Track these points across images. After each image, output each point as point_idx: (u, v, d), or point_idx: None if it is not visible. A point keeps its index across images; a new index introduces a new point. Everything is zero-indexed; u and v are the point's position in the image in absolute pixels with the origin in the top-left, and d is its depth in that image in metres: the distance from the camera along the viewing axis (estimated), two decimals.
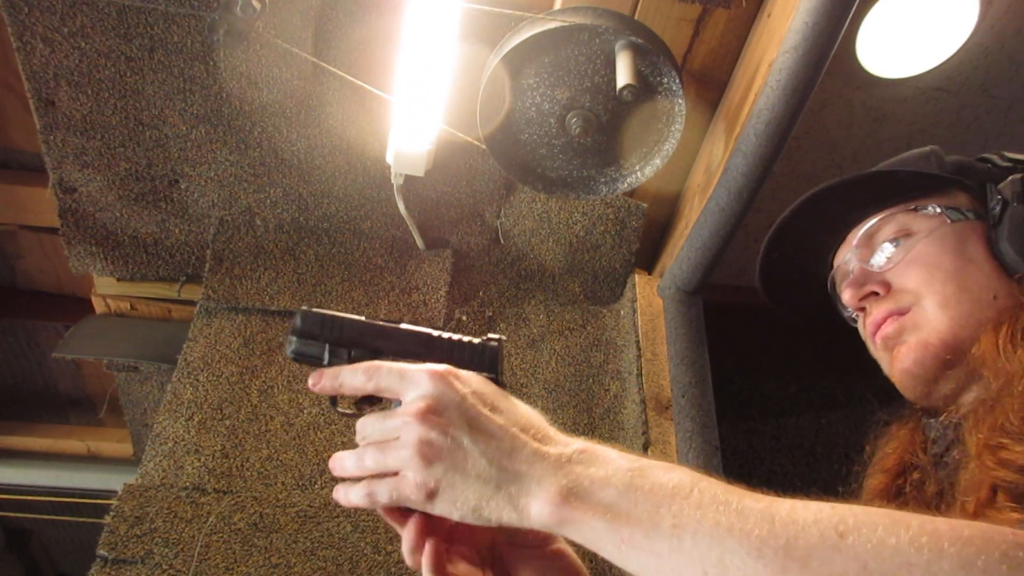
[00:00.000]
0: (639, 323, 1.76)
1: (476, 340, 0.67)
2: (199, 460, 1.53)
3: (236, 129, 1.62)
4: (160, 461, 1.53)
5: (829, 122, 1.85)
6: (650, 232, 1.85)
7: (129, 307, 1.92)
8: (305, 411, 1.62)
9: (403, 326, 0.68)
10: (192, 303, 1.80)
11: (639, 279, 1.84)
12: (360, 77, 1.42)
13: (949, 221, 0.85)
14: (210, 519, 1.45)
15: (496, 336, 0.68)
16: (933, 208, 0.86)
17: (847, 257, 0.92)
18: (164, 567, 1.39)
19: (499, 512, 0.53)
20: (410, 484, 0.55)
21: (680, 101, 1.35)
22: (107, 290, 1.88)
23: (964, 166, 0.90)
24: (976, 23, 1.52)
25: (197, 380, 1.63)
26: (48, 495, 2.56)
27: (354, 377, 0.62)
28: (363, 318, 0.68)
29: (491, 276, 1.87)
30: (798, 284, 1.00)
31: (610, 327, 1.86)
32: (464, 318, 1.80)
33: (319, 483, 1.54)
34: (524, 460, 0.54)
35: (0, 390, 2.63)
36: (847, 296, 0.88)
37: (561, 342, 1.82)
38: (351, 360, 0.65)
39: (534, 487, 0.52)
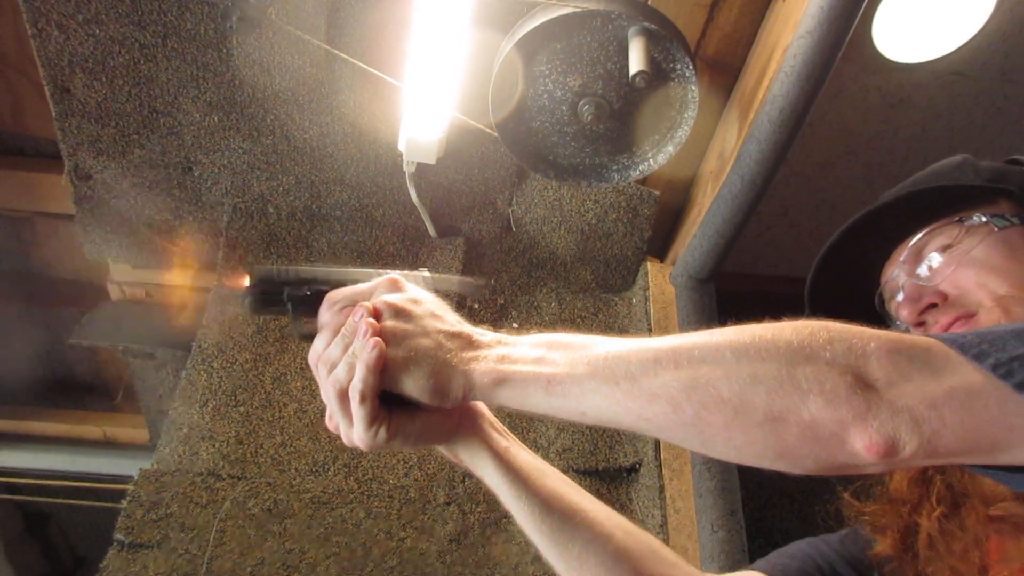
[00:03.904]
0: (651, 311, 1.76)
1: (410, 272, 0.79)
2: (214, 446, 1.54)
3: (249, 116, 1.62)
4: (175, 447, 1.54)
5: (844, 108, 1.83)
6: (662, 219, 1.84)
7: (144, 294, 1.93)
8: (318, 398, 1.62)
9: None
10: (206, 290, 1.81)
11: (651, 267, 1.84)
12: (373, 64, 1.42)
13: (996, 229, 0.85)
14: (225, 504, 1.47)
15: (426, 270, 0.80)
16: (979, 217, 0.87)
17: (895, 273, 0.92)
18: (180, 551, 1.41)
19: (450, 379, 0.65)
20: (390, 355, 0.66)
21: (693, 87, 1.34)
22: (122, 277, 1.89)
23: (1001, 172, 0.90)
24: (995, 6, 1.50)
25: (211, 367, 1.64)
26: (65, 480, 2.59)
27: (324, 313, 0.72)
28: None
29: (503, 264, 1.87)
30: (844, 301, 1.00)
31: (622, 315, 1.86)
32: (476, 306, 1.80)
33: (332, 469, 1.55)
34: (467, 338, 0.68)
35: (17, 376, 2.66)
36: (906, 313, 0.88)
37: (572, 330, 1.81)
38: (309, 295, 0.73)
39: (477, 355, 0.66)
